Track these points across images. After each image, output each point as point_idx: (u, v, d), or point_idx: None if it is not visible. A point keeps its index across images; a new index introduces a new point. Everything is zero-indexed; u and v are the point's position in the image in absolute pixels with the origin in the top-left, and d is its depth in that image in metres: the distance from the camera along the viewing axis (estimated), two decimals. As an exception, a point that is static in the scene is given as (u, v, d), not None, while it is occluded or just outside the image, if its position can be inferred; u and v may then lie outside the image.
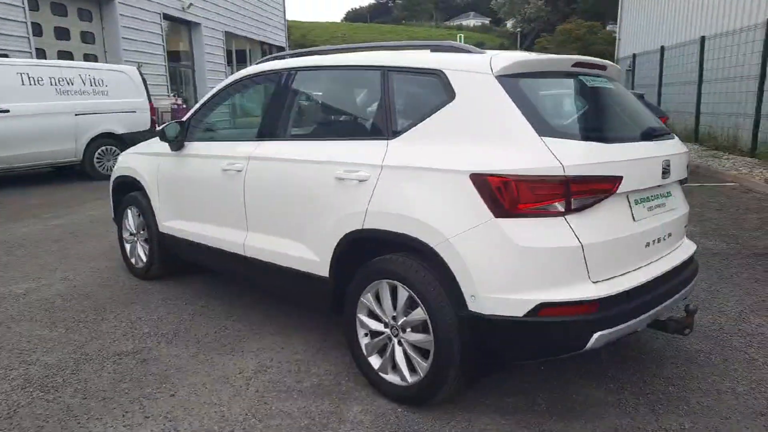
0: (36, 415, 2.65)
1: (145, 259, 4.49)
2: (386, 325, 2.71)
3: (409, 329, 2.61)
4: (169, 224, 4.08)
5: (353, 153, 2.79)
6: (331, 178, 2.83)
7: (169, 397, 2.81)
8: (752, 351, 3.24)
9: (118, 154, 10.39)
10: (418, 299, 2.51)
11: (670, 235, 2.76)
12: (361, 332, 2.83)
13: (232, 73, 25.97)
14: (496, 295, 2.28)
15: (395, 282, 2.61)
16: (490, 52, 2.59)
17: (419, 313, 2.52)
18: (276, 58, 3.61)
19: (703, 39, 12.72)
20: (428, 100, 2.63)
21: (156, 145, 4.34)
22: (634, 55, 18.37)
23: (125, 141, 10.41)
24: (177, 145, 3.90)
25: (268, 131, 3.32)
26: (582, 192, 2.26)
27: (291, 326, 3.59)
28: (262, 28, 29.04)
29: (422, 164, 2.49)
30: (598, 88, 2.75)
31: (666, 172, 2.63)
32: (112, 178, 4.76)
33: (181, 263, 4.41)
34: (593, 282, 2.30)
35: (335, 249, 2.85)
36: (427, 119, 2.58)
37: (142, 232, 4.50)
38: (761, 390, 2.82)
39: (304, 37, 62.39)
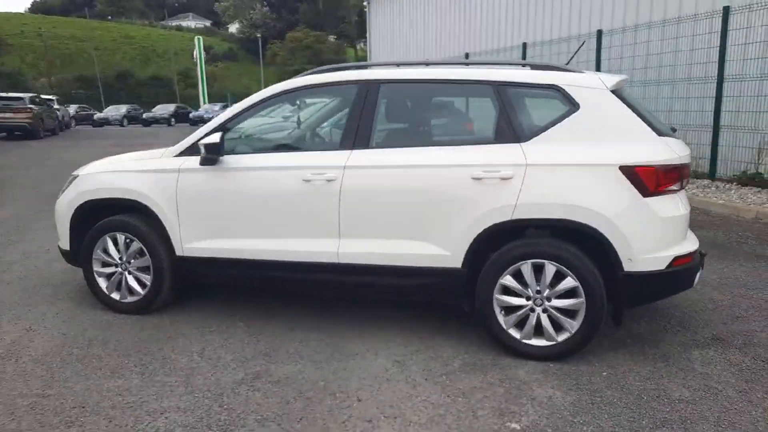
0: (261, 451, 2.49)
1: (142, 291, 3.99)
2: (528, 299, 3.25)
3: (554, 298, 3.20)
4: (200, 245, 3.77)
5: (488, 155, 3.24)
6: (467, 179, 3.23)
7: (359, 402, 2.88)
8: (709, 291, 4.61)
9: None
10: (569, 271, 3.13)
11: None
12: (497, 310, 3.30)
13: None
14: (647, 256, 3.07)
15: (542, 260, 3.17)
16: (589, 72, 3.32)
17: (569, 282, 3.15)
18: (332, 69, 3.72)
19: (466, 55, 15.35)
20: (552, 110, 3.25)
21: (156, 160, 3.93)
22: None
23: None
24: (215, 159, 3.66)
25: (362, 141, 3.46)
26: (685, 175, 3.19)
27: (362, 327, 3.76)
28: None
29: (570, 161, 3.12)
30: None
31: None
32: (74, 204, 4.05)
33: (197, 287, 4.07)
34: (687, 239, 3.26)
35: (473, 241, 3.25)
36: (557, 125, 3.20)
37: (133, 261, 3.98)
38: (744, 322, 4.16)
39: (-17, 29, 52.67)
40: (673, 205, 3.15)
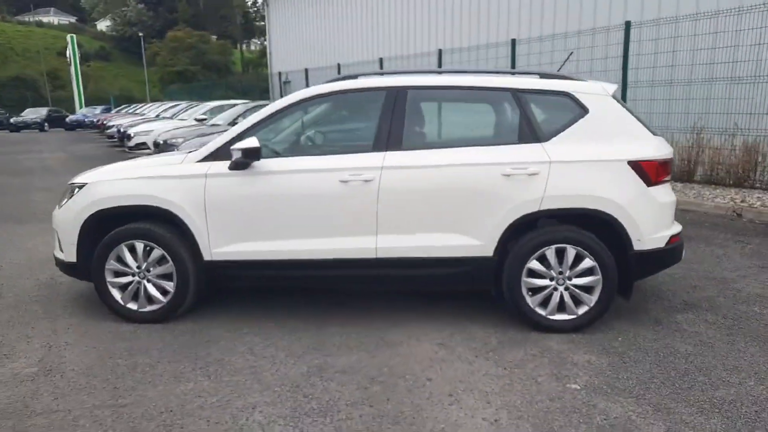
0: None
1: (164, 299, 3.94)
2: (551, 279, 3.70)
3: (574, 277, 3.68)
4: (231, 249, 3.82)
5: (515, 154, 3.65)
6: (497, 175, 3.61)
7: (430, 381, 3.16)
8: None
9: None
10: (587, 252, 3.63)
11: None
12: (525, 291, 3.72)
13: None
14: (652, 236, 3.64)
15: (564, 245, 3.64)
16: (591, 81, 3.85)
17: (587, 262, 3.64)
18: (346, 78, 3.95)
19: (380, 60, 15.88)
20: (565, 114, 3.72)
21: (177, 166, 3.91)
22: (279, 73, 21.60)
23: None
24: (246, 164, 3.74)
25: (394, 143, 3.72)
26: (671, 168, 3.80)
27: (391, 318, 4.02)
28: None
29: (586, 158, 3.61)
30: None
31: None
32: (85, 213, 3.91)
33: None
34: (674, 222, 3.89)
35: (504, 231, 3.64)
36: (571, 127, 3.69)
37: (153, 269, 3.92)
38: (702, 290, 4.90)
39: None
40: (667, 193, 3.76)
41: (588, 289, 3.70)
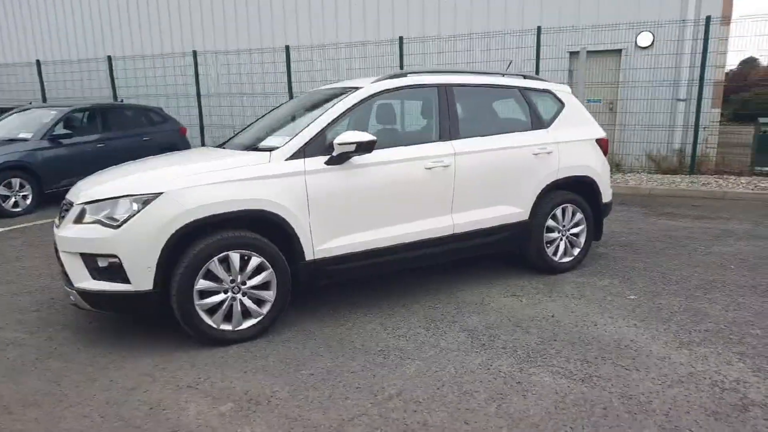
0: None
1: (263, 311, 3.63)
2: (558, 231, 4.88)
3: (571, 228, 4.95)
4: (333, 244, 3.79)
5: (538, 138, 4.66)
6: (530, 155, 4.59)
7: (552, 317, 3.97)
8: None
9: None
10: (580, 209, 4.94)
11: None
12: (545, 243, 4.81)
13: None
14: (608, 192, 5.16)
15: (566, 204, 4.86)
16: (552, 83, 5.12)
17: (579, 216, 4.96)
18: (396, 75, 4.31)
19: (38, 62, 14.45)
20: (552, 107, 4.91)
21: (267, 165, 3.65)
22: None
23: None
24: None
25: (454, 132, 4.30)
26: (604, 144, 5.40)
27: (443, 291, 4.62)
28: None
29: (574, 138, 4.88)
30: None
31: None
32: (173, 227, 3.30)
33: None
34: (601, 184, 5.52)
35: (536, 198, 4.65)
36: (558, 116, 4.91)
37: (249, 280, 3.57)
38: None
39: None
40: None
41: (578, 235, 5.00)
